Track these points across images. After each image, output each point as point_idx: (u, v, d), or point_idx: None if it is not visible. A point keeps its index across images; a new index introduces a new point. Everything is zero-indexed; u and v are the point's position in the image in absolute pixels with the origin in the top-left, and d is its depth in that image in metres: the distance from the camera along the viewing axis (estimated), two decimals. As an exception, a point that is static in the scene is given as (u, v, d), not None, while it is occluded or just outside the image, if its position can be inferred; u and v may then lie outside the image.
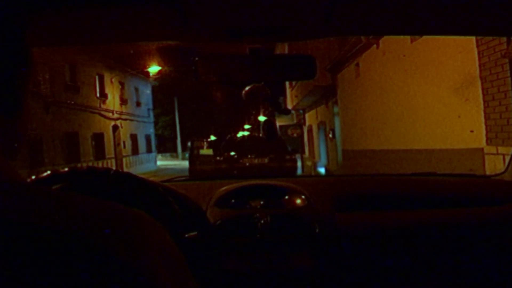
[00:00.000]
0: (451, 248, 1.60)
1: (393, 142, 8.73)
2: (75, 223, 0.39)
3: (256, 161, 11.99)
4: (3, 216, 0.37)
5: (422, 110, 7.41)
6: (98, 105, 20.25)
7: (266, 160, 11.92)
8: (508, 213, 1.66)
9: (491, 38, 4.96)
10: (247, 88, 1.26)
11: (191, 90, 32.70)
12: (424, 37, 6.33)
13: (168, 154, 38.36)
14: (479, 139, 5.65)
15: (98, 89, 20.48)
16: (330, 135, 14.52)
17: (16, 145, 0.53)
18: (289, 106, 20.77)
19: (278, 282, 1.51)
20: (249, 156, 12.07)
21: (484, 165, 5.53)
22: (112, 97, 21.76)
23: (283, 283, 1.51)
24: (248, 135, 20.29)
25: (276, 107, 1.40)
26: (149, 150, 27.28)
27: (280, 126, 19.13)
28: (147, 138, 27.26)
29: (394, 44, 8.43)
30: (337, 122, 13.56)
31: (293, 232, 1.55)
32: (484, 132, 5.57)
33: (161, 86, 30.68)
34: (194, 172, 12.47)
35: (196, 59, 1.19)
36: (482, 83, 5.51)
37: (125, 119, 23.27)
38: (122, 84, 23.29)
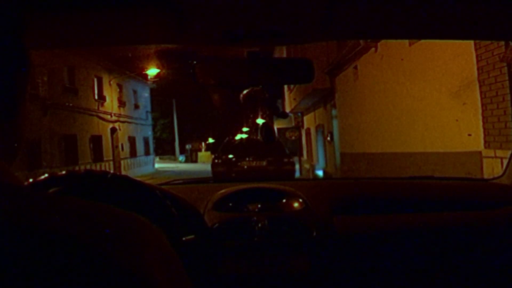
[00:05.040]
0: (449, 251, 1.60)
1: (391, 145, 8.75)
2: (71, 227, 0.39)
3: (254, 164, 11.98)
4: (0, 220, 0.37)
5: (420, 113, 7.42)
6: (96, 108, 20.23)
7: (264, 163, 11.91)
8: (506, 217, 1.66)
9: (489, 42, 4.97)
10: (245, 91, 1.26)
11: (189, 93, 32.71)
12: (423, 40, 6.35)
13: (167, 157, 38.42)
14: (477, 143, 5.66)
15: (96, 92, 20.45)
16: (328, 138, 14.53)
17: (14, 147, 0.53)
18: (287, 109, 20.79)
19: (276, 286, 1.51)
20: (247, 159, 12.07)
21: (482, 168, 5.54)
22: (110, 99, 21.74)
23: (281, 287, 1.51)
24: (246, 138, 20.27)
25: (274, 111, 1.40)
26: (147, 153, 27.24)
27: (278, 129, 19.14)
28: (145, 140, 27.23)
29: (392, 48, 8.45)
30: (335, 125, 13.58)
31: (291, 236, 1.55)
32: (482, 135, 5.58)
33: (159, 89, 30.65)
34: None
35: (195, 62, 1.19)
36: (480, 87, 5.52)
37: (123, 122, 23.24)
38: (120, 86, 23.27)
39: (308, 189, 1.80)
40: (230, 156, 12.32)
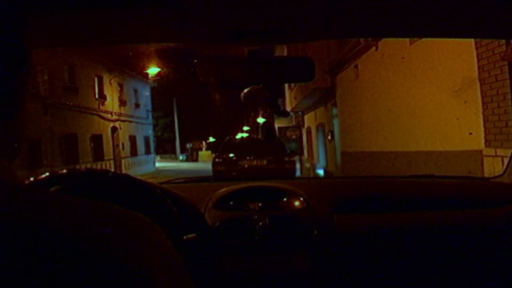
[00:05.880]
0: (449, 250, 1.60)
1: (392, 144, 8.74)
2: (72, 225, 0.39)
3: (254, 163, 12.00)
4: (1, 218, 0.37)
5: (421, 112, 7.41)
6: (97, 107, 20.23)
7: (264, 162, 11.94)
8: (507, 215, 1.66)
9: (490, 40, 4.96)
10: (246, 90, 1.26)
11: (190, 92, 32.73)
12: (423, 39, 6.34)
13: (168, 156, 38.46)
14: (478, 141, 5.65)
15: (97, 91, 20.46)
16: (329, 137, 14.53)
17: (15, 146, 0.53)
18: (288, 108, 20.79)
19: (276, 284, 1.51)
20: (248, 158, 12.08)
21: (482, 167, 5.53)
22: (111, 98, 21.75)
23: (281, 285, 1.51)
24: (247, 137, 20.29)
25: (275, 109, 1.40)
26: (148, 152, 27.25)
27: (279, 128, 19.16)
28: (146, 139, 27.24)
29: (393, 46, 8.44)
30: (336, 124, 13.57)
31: (291, 234, 1.55)
32: (482, 134, 5.57)
33: (160, 88, 30.67)
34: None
35: (195, 61, 1.19)
36: (480, 85, 5.51)
37: (124, 121, 23.25)
38: (121, 85, 23.28)
39: (308, 188, 1.80)
40: (231, 155, 12.34)
